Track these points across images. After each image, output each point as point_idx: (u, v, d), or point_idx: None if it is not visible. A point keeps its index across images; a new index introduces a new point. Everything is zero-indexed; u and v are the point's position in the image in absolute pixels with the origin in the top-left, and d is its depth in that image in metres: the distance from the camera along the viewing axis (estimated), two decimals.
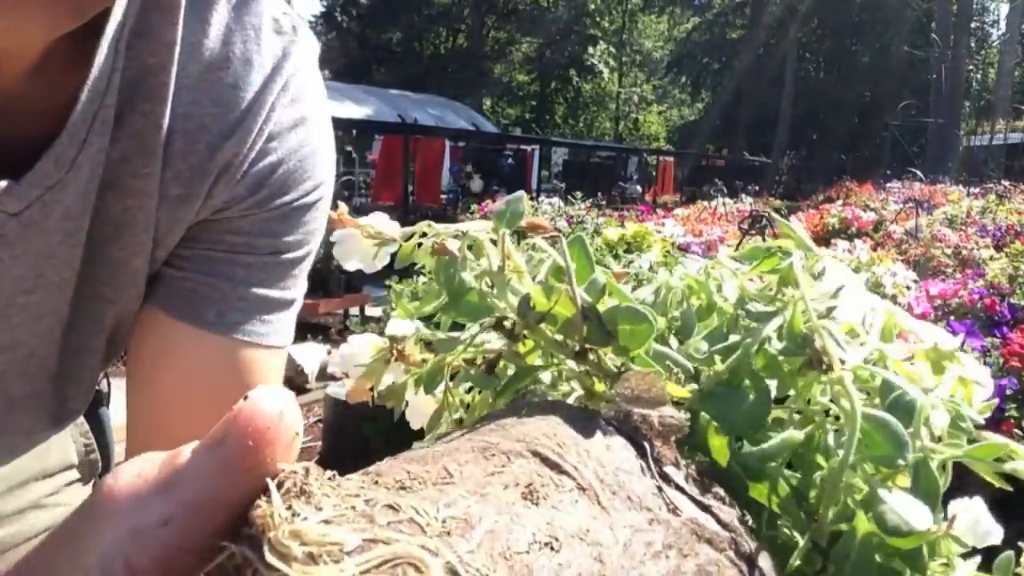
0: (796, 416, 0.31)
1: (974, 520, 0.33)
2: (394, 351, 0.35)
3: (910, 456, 0.28)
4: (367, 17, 31.48)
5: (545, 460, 0.24)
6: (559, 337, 0.31)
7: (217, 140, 0.61)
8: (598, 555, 0.21)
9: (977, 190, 10.26)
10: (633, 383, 0.28)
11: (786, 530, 0.29)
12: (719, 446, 0.29)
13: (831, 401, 0.31)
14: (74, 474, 0.80)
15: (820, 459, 0.30)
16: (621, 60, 36.27)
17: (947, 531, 0.31)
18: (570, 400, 0.32)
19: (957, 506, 0.33)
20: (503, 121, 34.31)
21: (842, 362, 0.29)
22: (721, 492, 0.27)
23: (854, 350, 0.31)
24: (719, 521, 0.26)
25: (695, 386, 0.31)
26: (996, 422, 2.09)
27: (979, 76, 32.87)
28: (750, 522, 0.28)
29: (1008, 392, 2.15)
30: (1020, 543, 0.32)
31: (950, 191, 10.19)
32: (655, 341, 0.32)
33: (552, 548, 0.21)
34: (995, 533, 0.33)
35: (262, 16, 0.64)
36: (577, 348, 0.30)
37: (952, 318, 2.65)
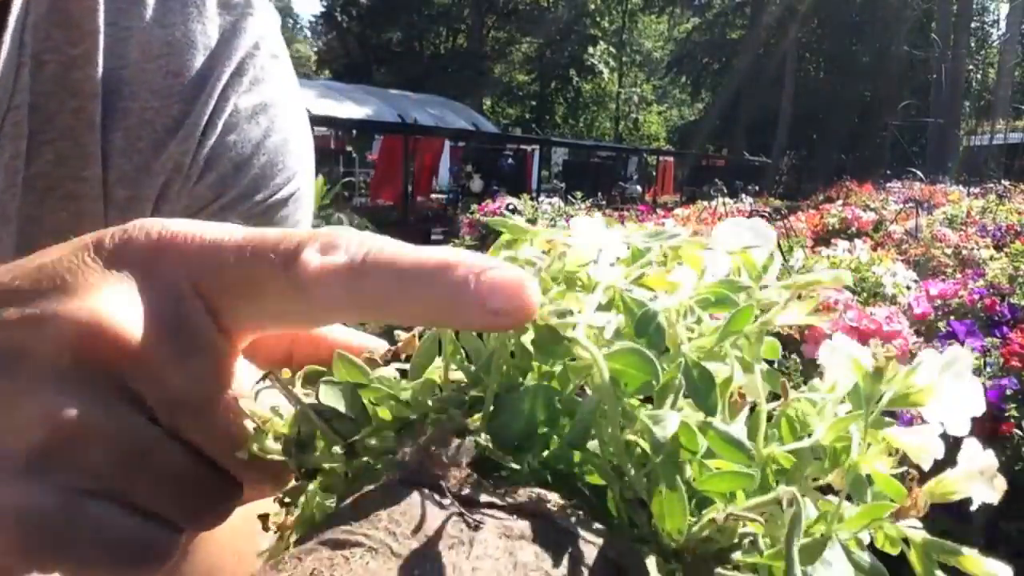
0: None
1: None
2: (270, 527, 0.35)
3: (664, 372, 0.28)
4: (367, 17, 31.47)
5: (334, 543, 0.25)
6: (335, 450, 0.31)
7: (161, 136, 0.55)
8: None
9: (977, 190, 10.26)
10: (415, 436, 0.28)
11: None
12: (515, 456, 0.29)
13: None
14: None
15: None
16: (621, 60, 36.26)
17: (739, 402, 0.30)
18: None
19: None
20: (503, 121, 34.31)
21: (573, 326, 0.28)
22: (536, 491, 0.27)
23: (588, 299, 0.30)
24: (532, 513, 0.26)
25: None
26: (996, 422, 2.08)
27: (979, 76, 32.86)
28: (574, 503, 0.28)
29: (1008, 392, 2.15)
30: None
31: (950, 191, 10.19)
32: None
33: None
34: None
35: None
36: (345, 449, 0.31)
37: (952, 318, 2.64)
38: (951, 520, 1.65)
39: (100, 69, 0.54)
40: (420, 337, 0.34)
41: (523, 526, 0.25)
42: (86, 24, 0.54)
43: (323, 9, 32.41)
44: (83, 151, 0.55)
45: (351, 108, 13.82)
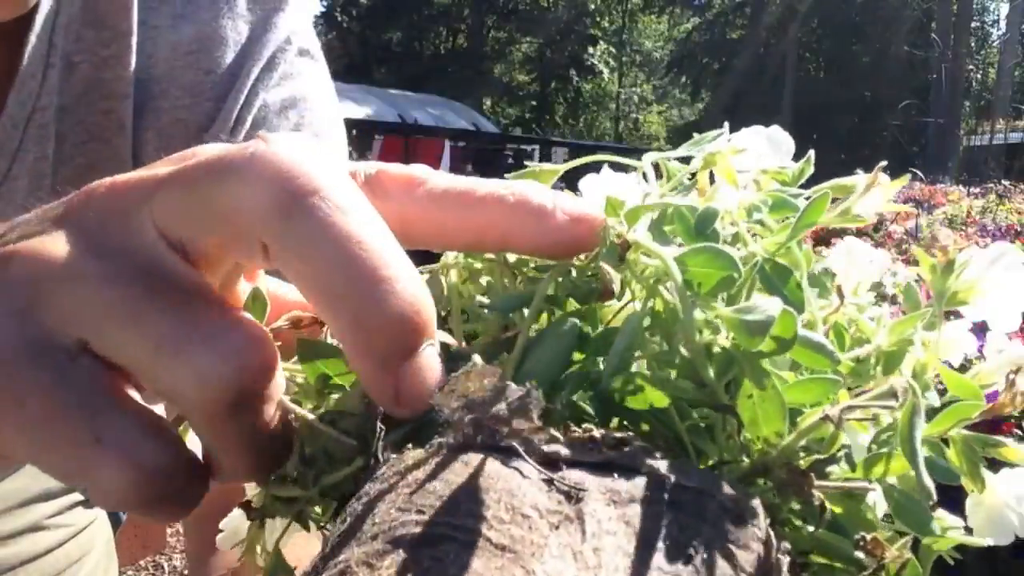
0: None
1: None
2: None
3: (741, 265, 0.25)
4: (367, 17, 31.46)
5: (411, 541, 0.19)
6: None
7: (194, 134, 0.55)
8: None
9: (977, 190, 10.25)
10: (462, 389, 0.23)
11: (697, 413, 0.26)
12: (547, 397, 0.24)
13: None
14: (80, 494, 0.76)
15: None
16: (621, 60, 36.24)
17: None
18: None
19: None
20: (503, 121, 34.28)
21: (623, 257, 0.26)
22: (620, 435, 0.22)
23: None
24: (630, 468, 0.21)
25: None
26: (996, 422, 2.08)
27: (979, 76, 32.85)
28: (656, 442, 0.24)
29: None
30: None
31: (950, 191, 10.18)
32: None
33: None
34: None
35: None
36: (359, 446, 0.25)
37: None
38: None
39: (132, 69, 0.53)
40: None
41: (625, 486, 0.21)
42: (119, 24, 0.53)
43: (323, 9, 32.41)
44: (114, 153, 0.54)
45: (351, 108, 13.82)
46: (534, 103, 35.96)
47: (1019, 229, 5.32)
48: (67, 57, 0.53)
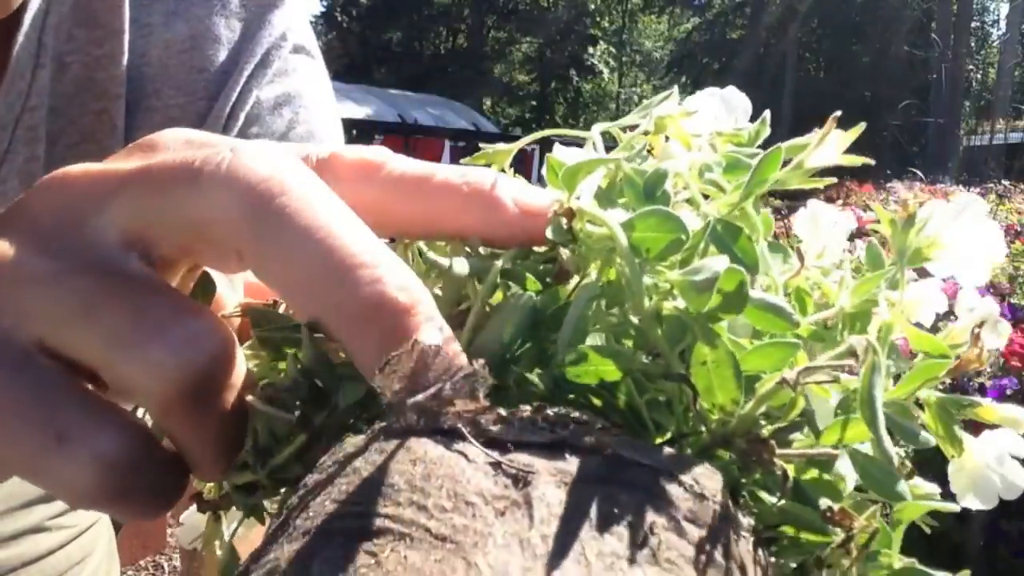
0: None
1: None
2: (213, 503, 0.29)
3: (691, 228, 0.24)
4: (367, 17, 31.45)
5: (346, 534, 0.18)
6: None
7: None
8: None
9: (977, 190, 10.25)
10: (401, 370, 0.21)
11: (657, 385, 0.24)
12: (499, 374, 0.23)
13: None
14: None
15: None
16: (621, 60, 36.24)
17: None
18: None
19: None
20: (503, 121, 34.28)
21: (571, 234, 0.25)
22: (572, 413, 0.21)
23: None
24: (580, 448, 0.20)
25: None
26: None
27: (979, 76, 32.85)
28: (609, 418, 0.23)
29: (1008, 392, 2.15)
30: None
31: (950, 191, 10.18)
32: None
33: None
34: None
35: None
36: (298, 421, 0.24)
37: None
38: (950, 519, 1.65)
39: (124, 68, 0.53)
40: None
41: (576, 467, 0.20)
42: (111, 22, 0.52)
43: (323, 9, 32.40)
44: (106, 154, 0.52)
45: (351, 108, 13.82)
46: (534, 103, 35.95)
47: (1019, 229, 5.32)
48: (59, 57, 0.52)
